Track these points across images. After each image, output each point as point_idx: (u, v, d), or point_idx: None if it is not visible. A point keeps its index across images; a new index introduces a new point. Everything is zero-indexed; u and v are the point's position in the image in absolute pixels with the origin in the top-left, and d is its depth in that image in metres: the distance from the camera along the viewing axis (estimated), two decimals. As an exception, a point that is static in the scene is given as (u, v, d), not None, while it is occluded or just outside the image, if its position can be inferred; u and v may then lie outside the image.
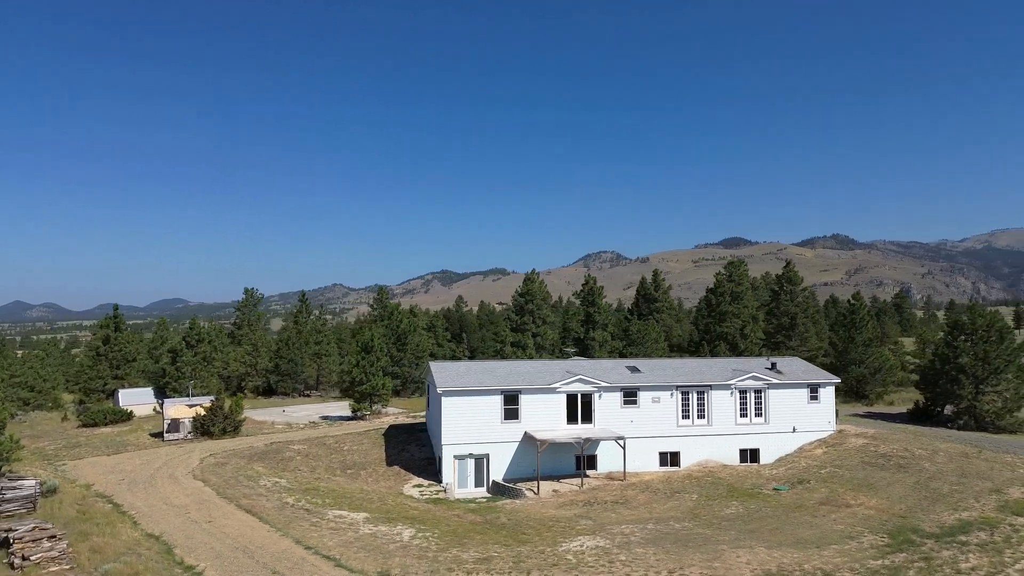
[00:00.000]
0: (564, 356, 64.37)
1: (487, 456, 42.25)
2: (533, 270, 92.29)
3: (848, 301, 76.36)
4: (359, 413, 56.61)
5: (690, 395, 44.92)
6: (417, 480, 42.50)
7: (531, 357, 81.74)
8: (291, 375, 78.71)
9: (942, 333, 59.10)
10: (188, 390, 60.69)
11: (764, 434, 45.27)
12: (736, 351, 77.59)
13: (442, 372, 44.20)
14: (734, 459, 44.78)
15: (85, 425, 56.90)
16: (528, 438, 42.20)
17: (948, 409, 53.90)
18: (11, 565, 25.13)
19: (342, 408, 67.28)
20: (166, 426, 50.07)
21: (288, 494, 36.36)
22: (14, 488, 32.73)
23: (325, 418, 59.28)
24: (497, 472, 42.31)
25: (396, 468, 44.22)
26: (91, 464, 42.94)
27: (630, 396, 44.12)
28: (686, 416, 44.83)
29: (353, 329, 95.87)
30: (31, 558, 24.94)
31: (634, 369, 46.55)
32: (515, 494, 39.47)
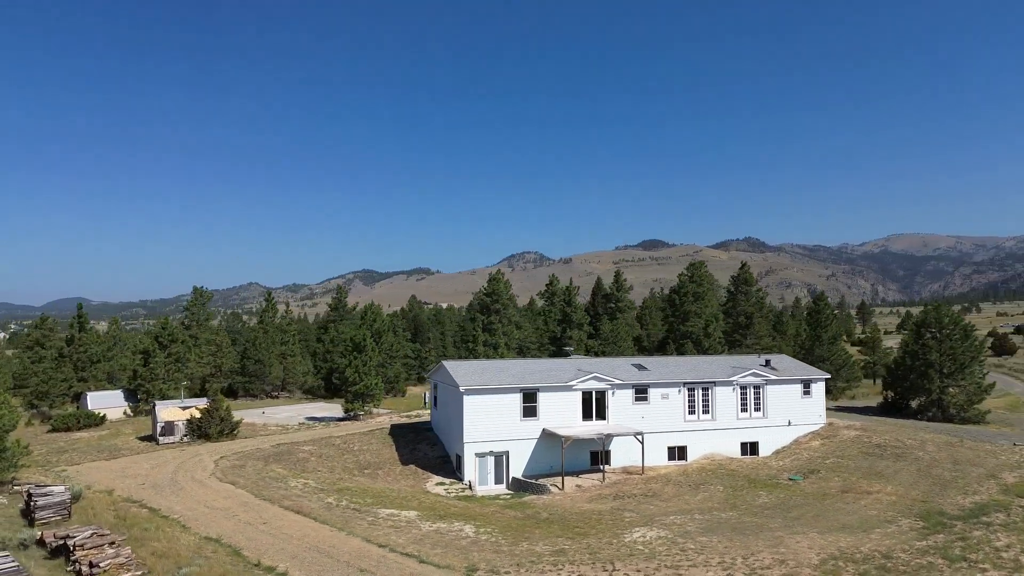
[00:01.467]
0: (563, 355, 65.40)
1: (507, 453, 42.80)
2: (499, 271, 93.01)
3: (812, 302, 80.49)
4: (352, 413, 55.95)
5: (696, 391, 46.73)
6: (437, 478, 42.63)
7: (502, 356, 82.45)
8: (259, 376, 76.75)
9: (907, 331, 63.29)
10: (181, 392, 58.42)
11: (763, 428, 47.53)
12: (701, 349, 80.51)
13: (460, 371, 44.45)
14: (735, 452, 46.83)
15: (56, 430, 54.10)
16: (548, 435, 42.98)
17: (914, 402, 57.90)
18: (78, 573, 24.20)
19: (324, 409, 66.28)
20: (159, 429, 48.29)
21: (324, 494, 35.99)
22: (45, 495, 31.53)
23: (311, 419, 58.33)
24: (516, 469, 42.91)
25: (412, 467, 44.17)
26: (94, 469, 41.15)
27: (641, 393, 45.53)
28: (692, 412, 46.61)
29: (316, 331, 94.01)
30: (100, 565, 24.14)
31: (641, 367, 47.99)
32: (539, 490, 40.17)
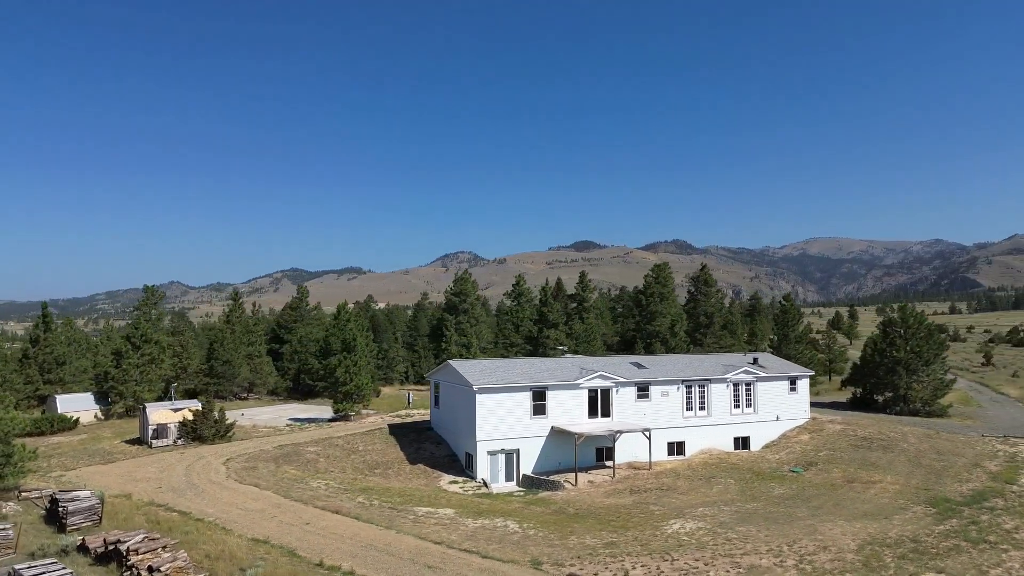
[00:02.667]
0: (556, 353, 66.13)
1: (517, 451, 43.35)
2: (466, 271, 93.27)
3: (780, 302, 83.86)
4: (343, 414, 55.34)
5: (693, 388, 48.35)
6: (448, 477, 42.81)
7: (475, 356, 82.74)
8: (227, 378, 74.81)
9: (876, 330, 66.88)
10: (171, 395, 56.34)
11: (753, 423, 49.55)
12: (668, 348, 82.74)
13: (470, 371, 44.74)
14: (729, 446, 48.67)
15: (28, 434, 51.54)
16: (557, 432, 43.76)
17: (880, 397, 61.28)
18: None
19: (303, 410, 65.24)
20: (151, 432, 46.72)
21: (351, 494, 35.83)
22: (73, 500, 30.48)
23: (294, 420, 57.40)
24: (526, 466, 43.51)
25: (421, 466, 44.19)
26: (95, 474, 39.75)
27: (643, 390, 46.83)
28: (689, 408, 48.20)
29: (273, 331, 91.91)
30: (161, 569, 23.66)
31: (640, 365, 49.29)
32: (553, 486, 40.88)
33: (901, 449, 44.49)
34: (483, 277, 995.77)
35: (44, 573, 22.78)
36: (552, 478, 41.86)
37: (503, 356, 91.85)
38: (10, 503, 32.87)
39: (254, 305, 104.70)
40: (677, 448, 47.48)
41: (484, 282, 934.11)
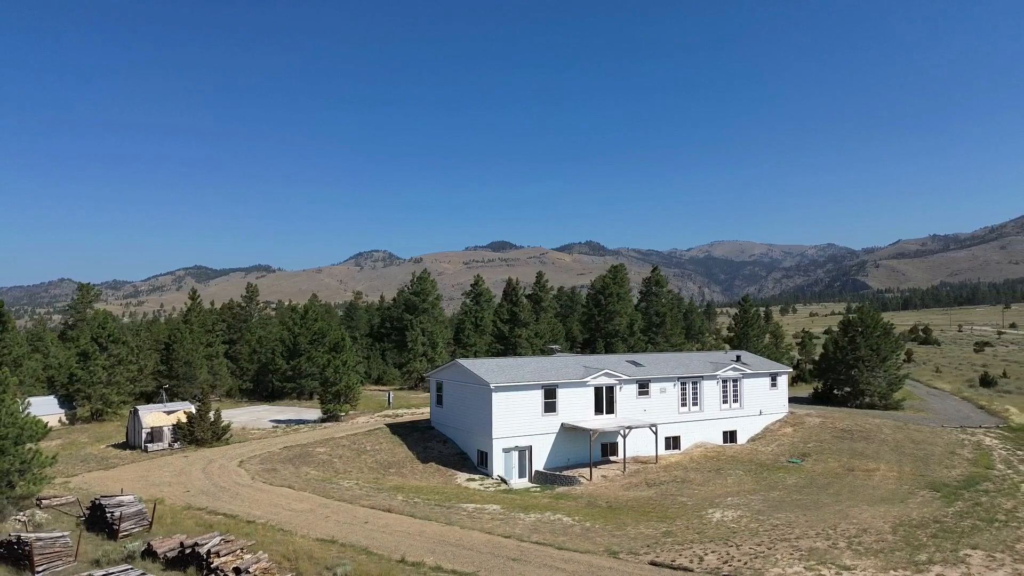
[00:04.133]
0: (547, 352, 66.97)
1: (530, 448, 44.25)
2: (425, 271, 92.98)
3: (739, 302, 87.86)
4: (333, 414, 54.59)
5: (687, 385, 50.50)
6: (465, 474, 43.24)
7: (440, 356, 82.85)
8: (187, 378, 72.12)
9: (837, 329, 71.28)
10: (162, 397, 53.75)
11: (740, 417, 52.20)
12: (628, 347, 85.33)
13: (483, 369, 45.28)
14: (719, 440, 51.11)
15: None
16: (568, 429, 44.93)
17: (838, 392, 65.57)
18: None
19: (279, 411, 63.79)
20: (145, 436, 44.93)
21: (388, 493, 35.90)
22: (120, 505, 29.59)
23: (276, 422, 56.21)
24: (538, 462, 44.45)
25: (433, 465, 44.41)
26: (101, 479, 38.22)
27: (643, 387, 48.61)
28: (684, 404, 50.33)
29: (221, 331, 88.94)
30: (249, 570, 23.61)
31: (636, 363, 51.05)
32: (569, 481, 42.01)
33: (881, 440, 47.97)
34: (399, 276, 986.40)
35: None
36: (565, 473, 42.97)
37: (463, 356, 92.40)
38: (37, 511, 31.34)
39: (161, 306, 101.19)
40: (673, 442, 49.48)
41: (399, 282, 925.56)
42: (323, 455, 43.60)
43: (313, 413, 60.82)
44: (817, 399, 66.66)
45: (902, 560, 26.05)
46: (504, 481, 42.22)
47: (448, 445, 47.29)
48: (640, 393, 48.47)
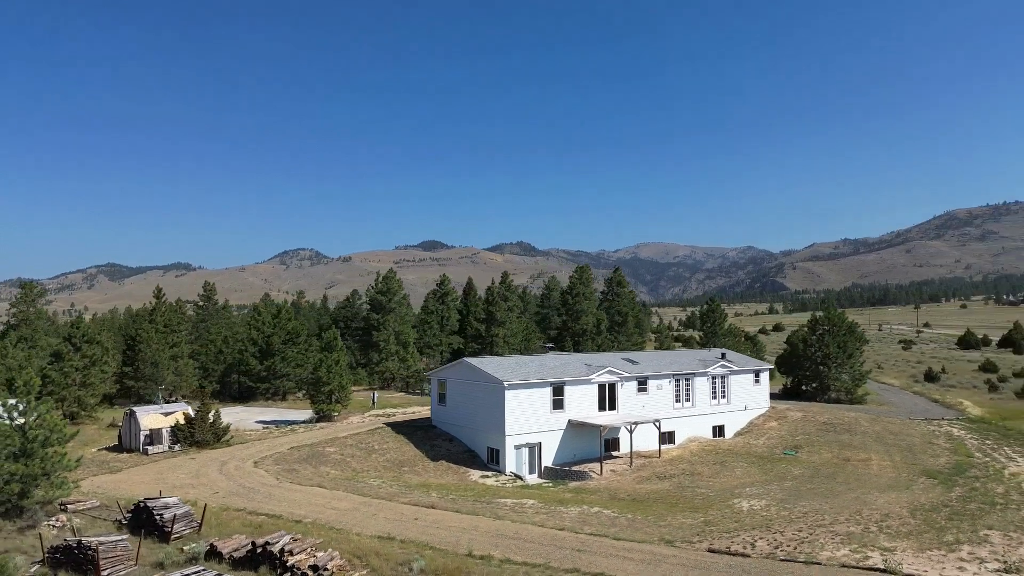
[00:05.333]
0: (541, 351, 67.40)
1: (539, 444, 45.03)
2: (388, 272, 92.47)
3: (706, 303, 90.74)
4: (326, 414, 53.90)
5: (680, 382, 52.26)
6: (477, 471, 43.62)
7: (411, 355, 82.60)
8: (153, 379, 69.67)
9: (805, 327, 74.66)
10: (159, 399, 51.54)
11: (727, 412, 54.36)
12: (596, 345, 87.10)
13: (494, 368, 45.77)
14: (709, 434, 53.11)
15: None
16: (574, 425, 45.90)
17: (806, 387, 68.92)
18: None
19: (258, 413, 62.40)
20: (143, 438, 43.46)
21: (421, 490, 36.15)
22: (167, 508, 29.00)
23: (262, 423, 55.14)
24: (547, 458, 45.27)
25: (444, 463, 44.61)
26: (115, 482, 36.96)
27: (642, 384, 50.06)
28: (678, 400, 52.08)
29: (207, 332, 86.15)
30: (327, 566, 23.77)
31: (632, 361, 52.46)
32: (580, 476, 43.01)
33: (862, 432, 50.85)
34: (326, 275, 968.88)
35: (204, 583, 21.96)
36: (574, 469, 43.93)
37: (428, 355, 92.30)
38: (64, 515, 30.21)
39: (71, 305, 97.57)
40: (669, 437, 51.09)
41: (327, 280, 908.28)
42: (335, 455, 43.21)
43: (298, 413, 59.89)
44: (786, 394, 69.85)
45: (933, 541, 28.05)
46: (519, 477, 42.86)
47: (455, 443, 47.53)
48: (639, 390, 49.90)
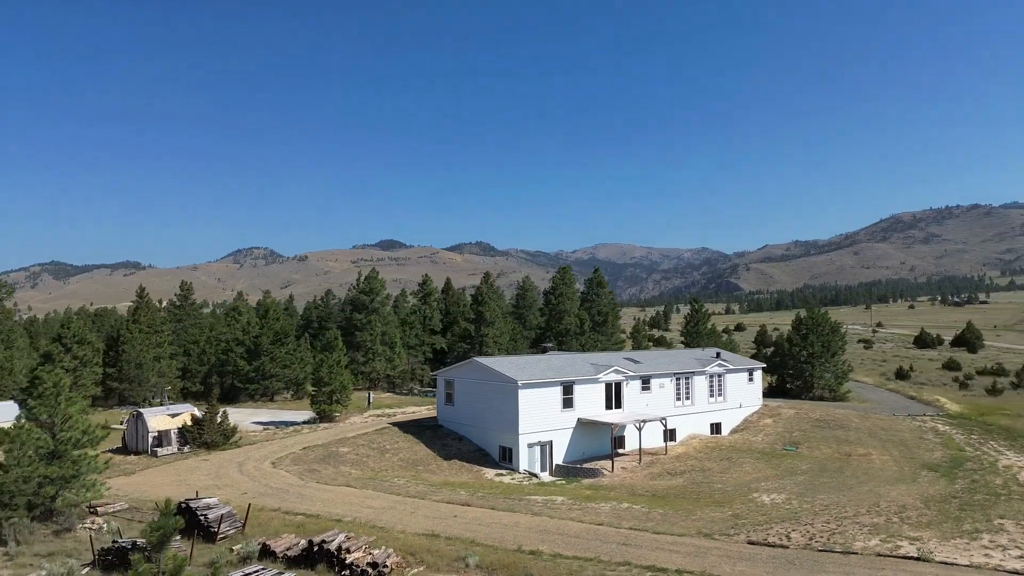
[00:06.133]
0: (541, 351, 67.53)
1: (551, 442, 45.62)
2: (374, 271, 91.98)
3: (691, 303, 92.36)
4: (329, 414, 53.57)
5: (681, 380, 53.39)
6: (491, 470, 43.99)
7: (399, 356, 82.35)
8: (138, 381, 68.25)
9: (790, 327, 76.70)
10: (164, 400, 50.29)
11: (724, 410, 55.73)
12: (581, 344, 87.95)
13: (506, 367, 46.17)
14: (707, 431, 54.37)
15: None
16: (584, 423, 46.58)
17: (790, 385, 70.94)
18: (363, 574, 23.61)
19: (251, 414, 61.62)
20: (151, 440, 42.73)
21: (449, 488, 36.45)
22: (210, 508, 28.86)
23: (259, 423, 54.58)
24: (558, 456, 45.87)
25: (456, 462, 44.86)
26: (134, 484, 36.55)
27: (646, 383, 51.03)
28: (678, 398, 53.19)
29: (189, 331, 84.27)
30: (385, 563, 24.11)
31: (634, 360, 53.40)
32: (592, 474, 43.74)
33: (855, 428, 52.65)
34: (282, 275, 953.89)
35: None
36: (586, 466, 44.63)
37: (412, 356, 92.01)
38: (102, 518, 29.75)
39: (15, 304, 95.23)
40: (670, 435, 52.11)
41: (283, 280, 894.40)
42: (350, 455, 43.12)
43: (293, 414, 59.39)
44: (771, 392, 71.73)
45: (954, 530, 29.44)
46: (534, 475, 43.37)
47: (464, 442, 47.78)
48: (643, 388, 50.86)
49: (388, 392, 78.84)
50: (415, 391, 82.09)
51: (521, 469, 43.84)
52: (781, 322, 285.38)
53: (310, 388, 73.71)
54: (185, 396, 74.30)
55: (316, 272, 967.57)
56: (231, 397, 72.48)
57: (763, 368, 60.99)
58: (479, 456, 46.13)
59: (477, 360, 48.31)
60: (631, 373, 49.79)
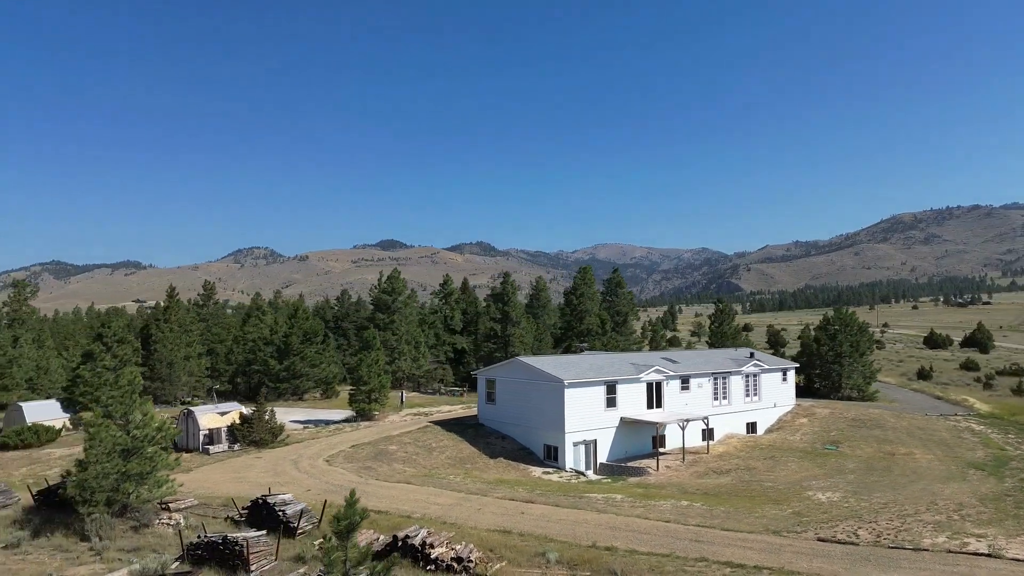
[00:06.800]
0: (576, 351, 68.08)
1: (595, 441, 45.97)
2: (396, 271, 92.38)
3: (716, 303, 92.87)
4: (368, 413, 53.95)
5: (718, 380, 53.75)
6: (538, 468, 44.34)
7: (423, 356, 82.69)
8: (169, 380, 68.60)
9: (814, 329, 77.20)
10: (213, 398, 50.60)
11: (759, 410, 56.09)
12: (603, 344, 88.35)
13: (551, 366, 46.55)
14: (743, 431, 54.71)
15: (7, 447, 45.38)
16: (627, 423, 46.94)
17: (818, 384, 71.39)
18: (448, 569, 23.89)
19: (284, 412, 61.87)
20: (203, 438, 43.09)
21: (506, 486, 36.77)
22: (287, 504, 29.12)
23: (298, 422, 54.92)
24: (602, 455, 46.23)
25: (503, 460, 45.19)
26: (192, 481, 36.76)
27: (685, 383, 51.40)
28: (716, 398, 53.53)
29: (232, 330, 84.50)
30: (471, 558, 24.44)
31: (672, 360, 53.76)
32: (638, 472, 44.07)
33: (891, 427, 53.02)
34: (282, 275, 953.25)
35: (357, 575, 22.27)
36: (630, 465, 44.98)
37: (434, 356, 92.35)
38: (179, 514, 30.08)
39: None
40: (708, 434, 52.47)
41: (283, 280, 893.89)
42: (400, 453, 43.46)
43: (326, 413, 59.77)
44: (798, 392, 72.04)
45: (1017, 528, 29.79)
46: (581, 474, 43.72)
47: (507, 441, 48.13)
48: (682, 388, 51.22)
49: (414, 392, 79.16)
50: (441, 391, 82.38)
51: (567, 467, 44.20)
52: (787, 322, 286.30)
53: (339, 387, 74.26)
54: (211, 395, 74.69)
55: (317, 272, 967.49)
56: (255, 397, 72.70)
57: (796, 368, 61.28)
58: (523, 454, 46.48)
59: (520, 360, 48.67)
60: (671, 373, 50.16)
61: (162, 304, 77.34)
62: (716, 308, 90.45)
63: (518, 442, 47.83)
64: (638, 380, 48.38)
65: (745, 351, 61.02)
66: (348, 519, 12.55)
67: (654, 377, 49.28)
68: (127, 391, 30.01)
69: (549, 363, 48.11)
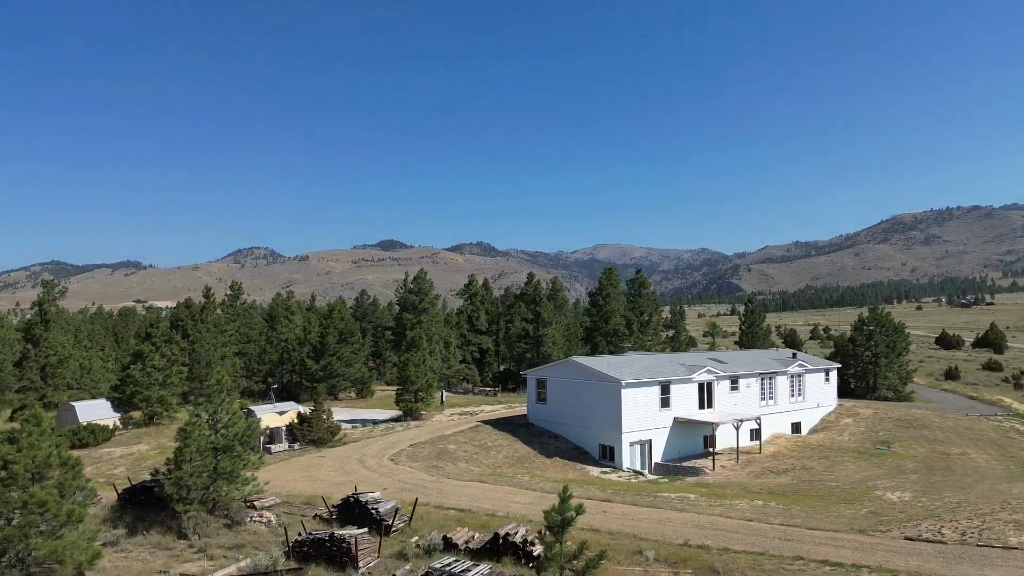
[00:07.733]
0: (620, 351, 68.32)
1: (650, 441, 46.18)
2: (423, 271, 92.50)
3: (746, 303, 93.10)
4: (416, 412, 54.16)
5: (765, 380, 53.97)
6: (594, 468, 44.56)
7: (452, 355, 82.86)
8: (202, 379, 68.62)
9: (850, 328, 77.50)
10: (271, 397, 50.73)
11: (803, 410, 56.31)
12: (631, 344, 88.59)
13: (606, 367, 46.78)
14: (788, 431, 54.92)
15: (73, 447, 45.28)
16: (682, 423, 47.16)
17: (853, 384, 71.65)
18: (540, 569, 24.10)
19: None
20: (264, 437, 43.23)
21: (576, 485, 36.65)
22: (378, 502, 29.36)
23: (344, 421, 55.00)
24: (656, 455, 46.44)
25: (558, 459, 45.39)
26: (261, 480, 36.59)
27: (734, 383, 51.62)
28: (763, 398, 53.75)
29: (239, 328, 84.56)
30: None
31: (719, 361, 53.97)
32: (695, 472, 44.32)
33: (937, 427, 53.26)
34: (283, 275, 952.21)
35: (467, 571, 22.44)
36: (686, 464, 45.21)
37: (462, 357, 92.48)
38: (269, 512, 30.24)
39: (17, 304, 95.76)
40: (756, 434, 52.69)
41: (284, 280, 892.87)
42: (459, 452, 43.65)
43: (368, 412, 59.99)
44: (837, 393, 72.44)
45: (1096, 526, 29.99)
46: (639, 473, 43.93)
47: (560, 440, 48.32)
48: (732, 388, 51.44)
49: (447, 392, 79.28)
50: (473, 391, 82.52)
51: (624, 467, 44.40)
52: (792, 323, 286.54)
53: (374, 387, 74.37)
54: (269, 395, 74.75)
55: (317, 272, 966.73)
56: (292, 396, 72.88)
57: (838, 368, 61.53)
58: (578, 454, 46.68)
59: (574, 360, 48.89)
60: (721, 373, 50.39)
61: (195, 302, 77.27)
62: (746, 308, 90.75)
63: (571, 442, 48.02)
64: (690, 380, 48.59)
65: (787, 352, 61.29)
66: (562, 514, 12.69)
67: (705, 377, 49.51)
68: (215, 390, 30.06)
69: (603, 363, 48.32)
